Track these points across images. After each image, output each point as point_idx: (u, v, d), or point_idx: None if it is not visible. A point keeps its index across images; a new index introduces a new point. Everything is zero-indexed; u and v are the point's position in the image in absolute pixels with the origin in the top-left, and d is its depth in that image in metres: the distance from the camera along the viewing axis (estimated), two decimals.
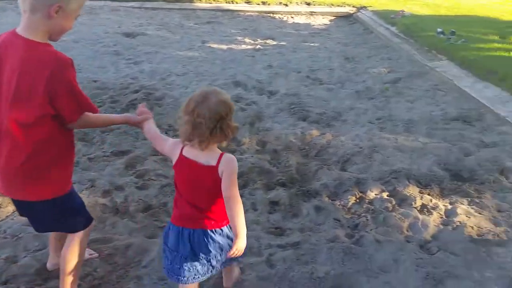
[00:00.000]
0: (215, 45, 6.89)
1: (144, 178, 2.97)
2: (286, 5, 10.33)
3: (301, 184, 3.01)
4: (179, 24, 8.36)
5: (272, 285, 2.06)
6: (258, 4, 10.23)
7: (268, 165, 3.22)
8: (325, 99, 4.69)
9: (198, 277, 1.65)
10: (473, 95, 4.63)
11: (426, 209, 2.67)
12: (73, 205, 1.77)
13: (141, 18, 8.74)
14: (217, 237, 1.61)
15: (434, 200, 2.77)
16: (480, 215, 2.63)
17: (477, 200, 2.79)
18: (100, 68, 5.43)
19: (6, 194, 1.72)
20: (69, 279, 1.80)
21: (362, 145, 3.50)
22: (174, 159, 1.58)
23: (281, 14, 9.86)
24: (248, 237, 2.28)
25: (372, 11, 9.72)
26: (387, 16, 8.78)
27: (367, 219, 2.57)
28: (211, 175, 1.51)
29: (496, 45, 6.34)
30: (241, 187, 2.94)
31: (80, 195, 1.99)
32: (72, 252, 1.78)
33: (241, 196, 2.79)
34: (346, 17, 9.82)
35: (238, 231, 1.49)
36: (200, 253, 1.60)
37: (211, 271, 1.68)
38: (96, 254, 2.19)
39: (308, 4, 10.50)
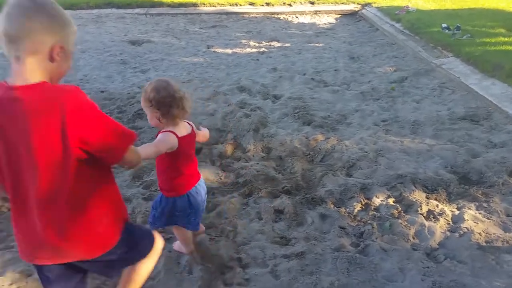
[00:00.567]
0: (220, 50, 6.91)
1: (151, 189, 3.00)
2: (290, 5, 10.27)
3: (306, 191, 3.00)
4: (184, 30, 8.41)
5: None
6: (262, 5, 10.20)
7: (273, 172, 3.22)
8: (330, 102, 4.67)
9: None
10: (480, 92, 4.55)
11: (432, 215, 2.63)
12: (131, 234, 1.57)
13: (147, 24, 8.81)
14: None
15: (440, 206, 2.73)
16: (489, 220, 2.58)
17: (485, 205, 2.73)
18: (107, 78, 5.50)
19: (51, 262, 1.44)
20: None
21: (367, 149, 3.48)
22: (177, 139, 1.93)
23: (286, 15, 9.82)
24: (253, 247, 2.39)
25: (376, 7, 9.62)
26: (392, 12, 8.68)
27: (373, 227, 2.55)
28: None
29: (503, 38, 6.21)
30: (247, 195, 2.96)
31: None
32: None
33: (246, 204, 2.87)
34: (352, 14, 9.73)
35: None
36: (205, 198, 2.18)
37: None
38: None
39: (312, 3, 10.43)
